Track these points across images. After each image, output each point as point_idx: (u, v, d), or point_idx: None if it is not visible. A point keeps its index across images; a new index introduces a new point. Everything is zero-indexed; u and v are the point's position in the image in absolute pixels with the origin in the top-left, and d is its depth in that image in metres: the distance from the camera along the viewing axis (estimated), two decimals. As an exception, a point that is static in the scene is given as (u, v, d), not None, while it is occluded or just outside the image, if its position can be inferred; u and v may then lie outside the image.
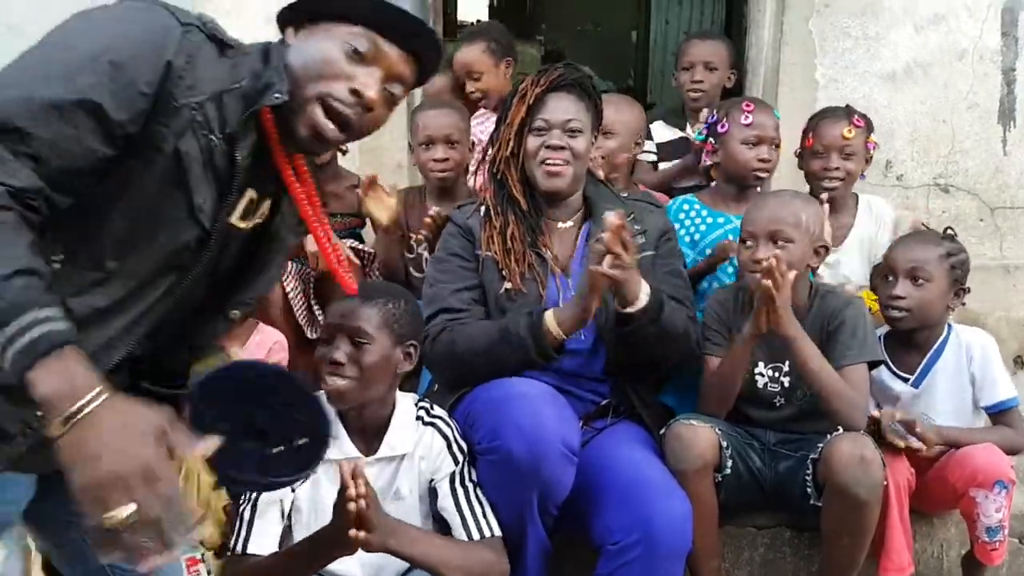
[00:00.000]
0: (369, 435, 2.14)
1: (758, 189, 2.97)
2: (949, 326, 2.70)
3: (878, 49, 3.67)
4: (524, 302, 2.36)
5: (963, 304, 2.72)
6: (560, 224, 2.53)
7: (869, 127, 2.95)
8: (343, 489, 1.83)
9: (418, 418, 2.21)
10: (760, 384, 2.53)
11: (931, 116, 3.73)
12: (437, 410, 2.24)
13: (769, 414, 2.54)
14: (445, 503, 2.12)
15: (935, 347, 2.67)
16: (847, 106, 3.03)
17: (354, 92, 1.44)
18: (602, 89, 7.90)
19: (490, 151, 2.56)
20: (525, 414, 2.05)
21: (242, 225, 1.50)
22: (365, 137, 1.56)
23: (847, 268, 2.92)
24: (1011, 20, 3.67)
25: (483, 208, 2.51)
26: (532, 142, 2.43)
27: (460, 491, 2.13)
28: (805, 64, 3.67)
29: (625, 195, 2.66)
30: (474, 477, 2.16)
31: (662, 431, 2.42)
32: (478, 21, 11.48)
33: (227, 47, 1.43)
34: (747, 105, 2.92)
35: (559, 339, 2.26)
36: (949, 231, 2.71)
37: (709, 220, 2.91)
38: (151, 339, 1.46)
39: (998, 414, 2.64)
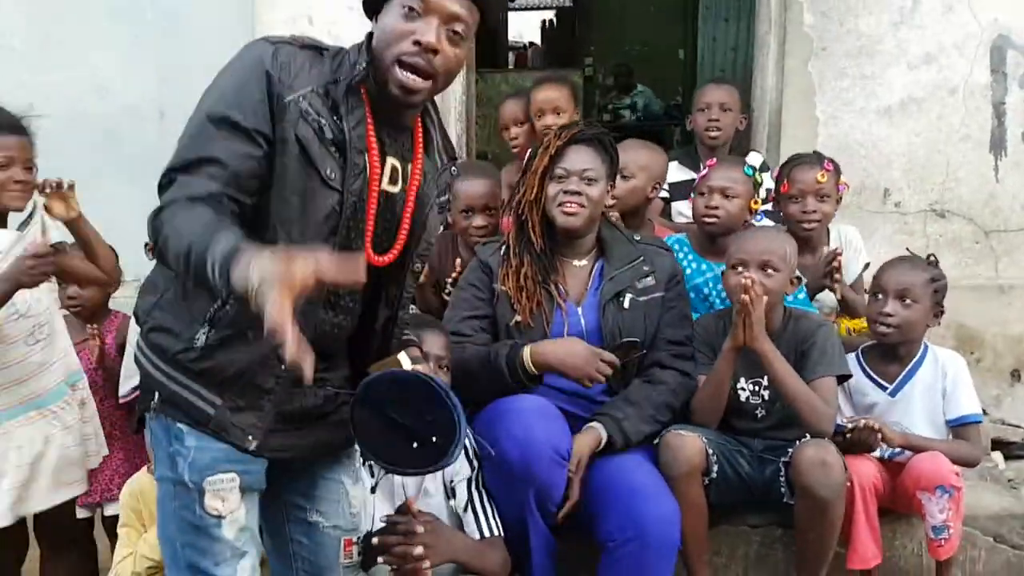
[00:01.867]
0: None
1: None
2: (925, 344, 2.98)
3: (874, 87, 3.96)
4: (530, 334, 2.71)
5: (938, 324, 2.99)
6: (575, 262, 2.85)
7: (838, 170, 3.21)
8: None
9: None
10: (743, 398, 2.84)
11: (926, 147, 4.00)
12: None
13: (753, 424, 2.85)
14: (462, 503, 2.51)
15: (914, 361, 2.94)
16: (816, 152, 3.31)
17: (416, 43, 1.73)
18: (653, 108, 8.14)
19: (516, 195, 2.87)
20: (518, 425, 2.43)
21: (394, 189, 1.88)
22: (452, 78, 1.82)
23: (825, 296, 3.21)
24: (999, 58, 3.93)
25: (503, 247, 2.85)
26: (552, 188, 2.74)
27: (475, 494, 2.51)
28: (806, 103, 3.98)
29: (637, 239, 2.91)
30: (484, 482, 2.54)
31: (656, 440, 2.75)
32: (530, 44, 11.89)
33: (324, 50, 1.81)
34: (711, 161, 3.22)
35: (532, 373, 2.61)
36: (932, 258, 2.97)
37: (694, 265, 3.13)
38: (354, 308, 1.91)
39: (959, 427, 2.90)
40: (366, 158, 1.80)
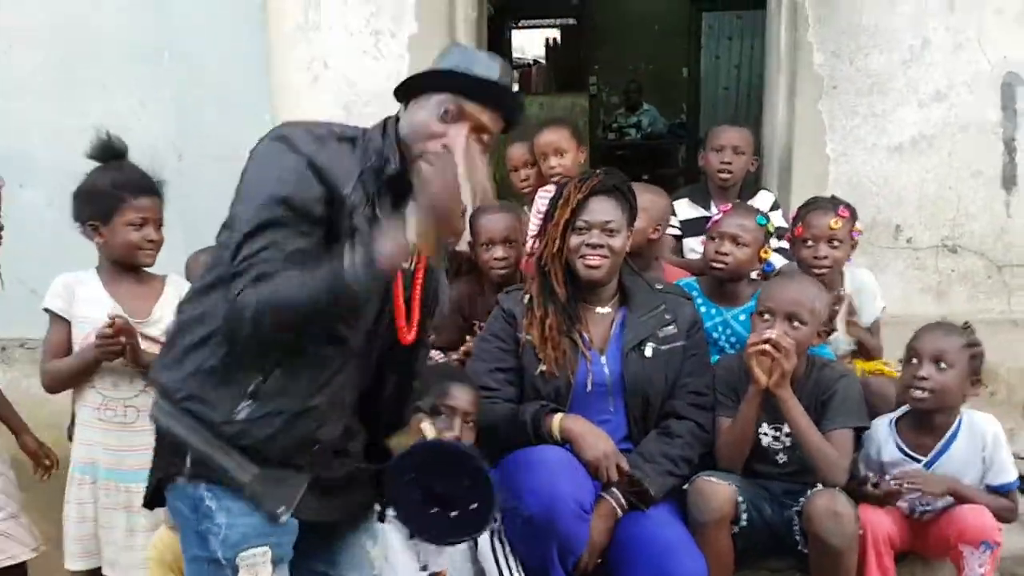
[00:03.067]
0: None
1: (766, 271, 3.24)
2: (959, 413, 2.90)
3: (884, 125, 4.00)
4: (555, 383, 2.75)
5: (976, 394, 2.90)
6: (598, 309, 2.88)
7: (854, 216, 3.23)
8: None
9: None
10: (764, 443, 2.86)
11: (937, 184, 4.04)
12: None
13: (774, 469, 2.88)
14: (485, 553, 2.54)
15: (950, 432, 2.86)
16: (833, 197, 3.33)
17: (445, 147, 1.82)
18: (657, 126, 8.29)
19: (537, 244, 2.91)
20: (542, 479, 2.46)
21: (406, 266, 1.93)
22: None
23: (839, 339, 3.20)
24: (1010, 95, 3.96)
25: (527, 297, 2.87)
26: (575, 240, 2.77)
27: (498, 545, 2.55)
28: (816, 141, 4.02)
29: (659, 287, 2.95)
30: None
31: (684, 486, 2.77)
32: (535, 62, 11.92)
33: (355, 140, 1.87)
34: (724, 206, 3.24)
35: (556, 439, 2.66)
36: (967, 325, 2.90)
37: (703, 309, 3.11)
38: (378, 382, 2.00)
39: (999, 493, 2.84)
40: None
